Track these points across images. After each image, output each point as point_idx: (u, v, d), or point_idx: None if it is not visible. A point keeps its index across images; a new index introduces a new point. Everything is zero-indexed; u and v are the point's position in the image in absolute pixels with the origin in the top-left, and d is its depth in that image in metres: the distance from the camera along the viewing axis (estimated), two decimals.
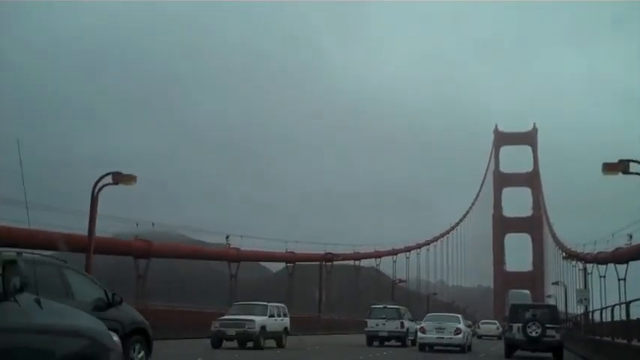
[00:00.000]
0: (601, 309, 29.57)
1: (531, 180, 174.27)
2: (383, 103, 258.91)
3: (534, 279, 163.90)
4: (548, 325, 25.77)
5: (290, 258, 72.26)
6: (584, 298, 54.86)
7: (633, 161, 23.88)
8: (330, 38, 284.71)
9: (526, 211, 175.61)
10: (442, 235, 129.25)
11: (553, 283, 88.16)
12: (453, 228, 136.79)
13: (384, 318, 34.47)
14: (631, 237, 47.07)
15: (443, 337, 30.14)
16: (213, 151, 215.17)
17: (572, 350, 33.21)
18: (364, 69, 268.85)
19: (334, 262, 70.71)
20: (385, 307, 35.84)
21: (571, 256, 68.12)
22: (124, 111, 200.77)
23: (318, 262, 66.46)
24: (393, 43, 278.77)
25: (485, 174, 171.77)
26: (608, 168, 24.21)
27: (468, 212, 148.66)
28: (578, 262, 74.26)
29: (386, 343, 34.65)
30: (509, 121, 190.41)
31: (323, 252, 68.06)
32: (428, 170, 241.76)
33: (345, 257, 77.33)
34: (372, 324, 34.70)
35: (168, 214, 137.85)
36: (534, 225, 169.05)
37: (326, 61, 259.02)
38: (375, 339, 34.49)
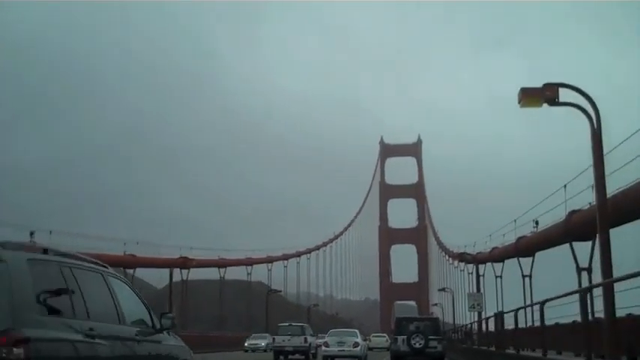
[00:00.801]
0: (482, 319, 29.62)
1: (416, 191, 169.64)
2: (276, 115, 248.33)
3: (420, 290, 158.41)
4: (431, 337, 26.78)
5: (128, 262, 58.54)
6: (477, 304, 45.67)
7: (565, 86, 14.17)
8: (226, 48, 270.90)
9: (411, 222, 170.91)
10: (325, 244, 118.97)
11: (439, 290, 79.63)
12: (336, 237, 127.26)
13: (289, 334, 36.95)
14: (537, 223, 37.67)
15: (344, 350, 33.06)
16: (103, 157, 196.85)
17: None
18: (261, 81, 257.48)
19: (195, 270, 58.54)
20: (290, 325, 38.48)
21: (459, 257, 58.69)
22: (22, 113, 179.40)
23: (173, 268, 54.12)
24: (286, 57, 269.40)
25: (371, 186, 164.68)
26: (527, 95, 14.02)
27: (351, 223, 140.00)
28: (467, 265, 65.70)
29: (290, 357, 36.98)
30: (398, 133, 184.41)
31: (176, 257, 55.64)
32: (319, 182, 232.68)
33: (203, 263, 65.58)
34: (278, 340, 37.21)
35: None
36: (420, 236, 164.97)
37: (224, 72, 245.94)
38: (281, 354, 36.81)
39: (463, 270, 71.86)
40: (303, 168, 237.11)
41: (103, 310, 6.51)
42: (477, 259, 50.39)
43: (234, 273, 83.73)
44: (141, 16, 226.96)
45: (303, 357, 37.08)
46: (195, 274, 76.92)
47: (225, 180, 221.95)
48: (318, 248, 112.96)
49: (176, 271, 60.41)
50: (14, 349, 4.90)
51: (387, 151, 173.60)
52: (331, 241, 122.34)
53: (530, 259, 40.10)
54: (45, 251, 6.16)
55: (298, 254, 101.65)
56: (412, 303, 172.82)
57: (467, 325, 49.23)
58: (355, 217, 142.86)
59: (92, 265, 6.78)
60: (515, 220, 40.36)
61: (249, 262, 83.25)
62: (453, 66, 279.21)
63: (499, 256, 46.16)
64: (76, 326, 5.79)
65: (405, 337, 26.95)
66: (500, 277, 46.95)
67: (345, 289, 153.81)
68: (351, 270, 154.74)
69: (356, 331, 38.36)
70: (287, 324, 39.19)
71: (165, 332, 7.95)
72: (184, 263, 55.39)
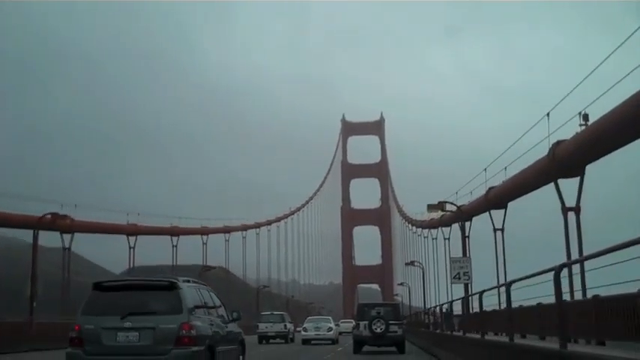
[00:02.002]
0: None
1: (379, 170, 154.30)
2: (245, 96, 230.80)
3: (384, 272, 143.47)
4: (391, 322, 26.42)
5: None
6: (463, 272, 29.80)
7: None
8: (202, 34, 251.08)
9: (375, 202, 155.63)
10: (278, 220, 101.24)
11: (407, 264, 63.38)
12: (292, 213, 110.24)
13: (271, 322, 40.69)
14: (586, 118, 21.22)
15: (319, 334, 37.38)
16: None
17: None
18: (228, 60, 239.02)
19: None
20: (272, 314, 43.05)
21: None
22: None
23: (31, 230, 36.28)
24: (258, 35, 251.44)
25: (332, 164, 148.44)
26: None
27: (309, 200, 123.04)
28: (443, 230, 49.40)
29: (272, 340, 39.65)
30: (361, 113, 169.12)
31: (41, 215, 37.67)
32: (280, 161, 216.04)
33: (89, 226, 48.22)
34: (262, 327, 40.49)
35: None
36: (383, 216, 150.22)
37: (191, 50, 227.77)
38: (264, 338, 39.81)
39: (436, 238, 55.71)
40: (265, 146, 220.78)
41: (211, 308, 11.63)
42: (464, 212, 33.90)
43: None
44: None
45: (283, 341, 40.02)
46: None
47: (183, 154, 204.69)
48: (269, 223, 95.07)
49: None
50: (191, 330, 10.01)
51: (349, 129, 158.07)
52: (286, 216, 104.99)
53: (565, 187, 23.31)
54: (187, 281, 11.24)
55: (244, 228, 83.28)
56: (375, 286, 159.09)
57: (442, 305, 33.58)
58: (314, 194, 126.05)
59: (204, 285, 12.23)
60: (544, 120, 23.46)
61: (174, 232, 63.91)
62: (420, 49, 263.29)
63: (503, 195, 29.32)
64: (206, 317, 10.99)
65: (367, 322, 26.60)
66: (502, 229, 30.35)
67: (307, 273, 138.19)
68: (313, 253, 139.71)
69: (329, 318, 42.69)
70: (269, 313, 43.69)
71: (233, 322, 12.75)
72: (54, 222, 38.18)
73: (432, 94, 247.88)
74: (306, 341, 36.28)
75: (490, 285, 21.83)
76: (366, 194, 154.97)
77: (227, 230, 76.33)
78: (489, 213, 30.77)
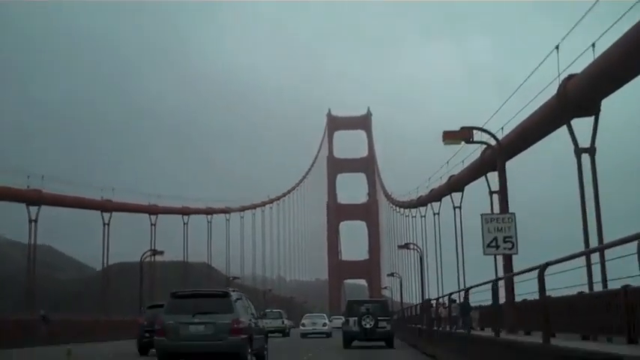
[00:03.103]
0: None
1: (366, 165, 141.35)
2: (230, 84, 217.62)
3: (371, 267, 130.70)
4: (380, 318, 26.33)
5: None
6: (505, 238, 14.32)
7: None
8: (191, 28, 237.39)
9: (362, 197, 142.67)
10: (255, 206, 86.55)
11: (400, 247, 49.50)
12: (271, 201, 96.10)
13: (271, 318, 42.11)
14: None
15: (316, 329, 41.35)
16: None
17: None
18: (218, 52, 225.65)
19: None
20: (271, 311, 46.42)
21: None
22: None
23: None
24: (247, 25, 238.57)
25: (316, 158, 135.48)
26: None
27: (291, 190, 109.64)
28: (452, 196, 35.46)
29: (270, 335, 36.84)
30: (349, 107, 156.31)
31: None
32: (266, 155, 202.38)
33: (63, 199, 36.19)
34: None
35: None
36: (370, 211, 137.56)
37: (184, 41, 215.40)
38: None
39: (438, 212, 41.84)
40: (249, 135, 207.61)
41: (250, 309, 15.73)
42: (503, 146, 19.61)
43: None
44: None
45: (280, 335, 42.12)
46: None
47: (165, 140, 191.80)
48: (243, 209, 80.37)
49: None
50: (240, 324, 14.05)
51: (335, 123, 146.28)
52: (264, 204, 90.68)
53: None
54: (234, 290, 15.63)
55: (210, 211, 68.12)
56: (363, 282, 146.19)
57: (451, 294, 22.55)
58: (296, 185, 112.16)
59: (242, 292, 16.19)
60: None
61: (136, 208, 49.92)
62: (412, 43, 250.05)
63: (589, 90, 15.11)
64: (247, 315, 14.98)
65: (356, 318, 26.27)
66: (592, 149, 15.89)
67: (296, 271, 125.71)
68: (297, 247, 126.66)
69: (324, 315, 47.37)
70: (268, 310, 47.69)
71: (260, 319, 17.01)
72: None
73: (428, 83, 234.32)
74: (304, 335, 40.51)
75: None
76: (353, 190, 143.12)
77: (186, 212, 62.14)
78: (568, 125, 16.61)
